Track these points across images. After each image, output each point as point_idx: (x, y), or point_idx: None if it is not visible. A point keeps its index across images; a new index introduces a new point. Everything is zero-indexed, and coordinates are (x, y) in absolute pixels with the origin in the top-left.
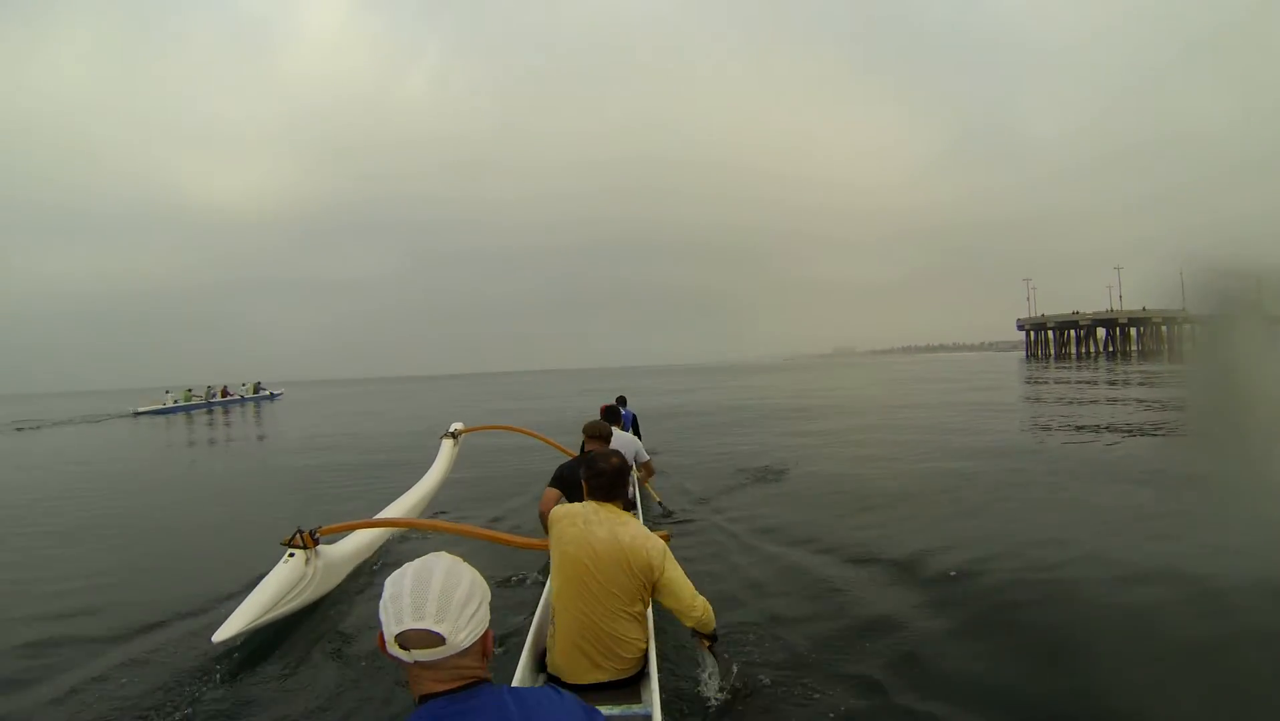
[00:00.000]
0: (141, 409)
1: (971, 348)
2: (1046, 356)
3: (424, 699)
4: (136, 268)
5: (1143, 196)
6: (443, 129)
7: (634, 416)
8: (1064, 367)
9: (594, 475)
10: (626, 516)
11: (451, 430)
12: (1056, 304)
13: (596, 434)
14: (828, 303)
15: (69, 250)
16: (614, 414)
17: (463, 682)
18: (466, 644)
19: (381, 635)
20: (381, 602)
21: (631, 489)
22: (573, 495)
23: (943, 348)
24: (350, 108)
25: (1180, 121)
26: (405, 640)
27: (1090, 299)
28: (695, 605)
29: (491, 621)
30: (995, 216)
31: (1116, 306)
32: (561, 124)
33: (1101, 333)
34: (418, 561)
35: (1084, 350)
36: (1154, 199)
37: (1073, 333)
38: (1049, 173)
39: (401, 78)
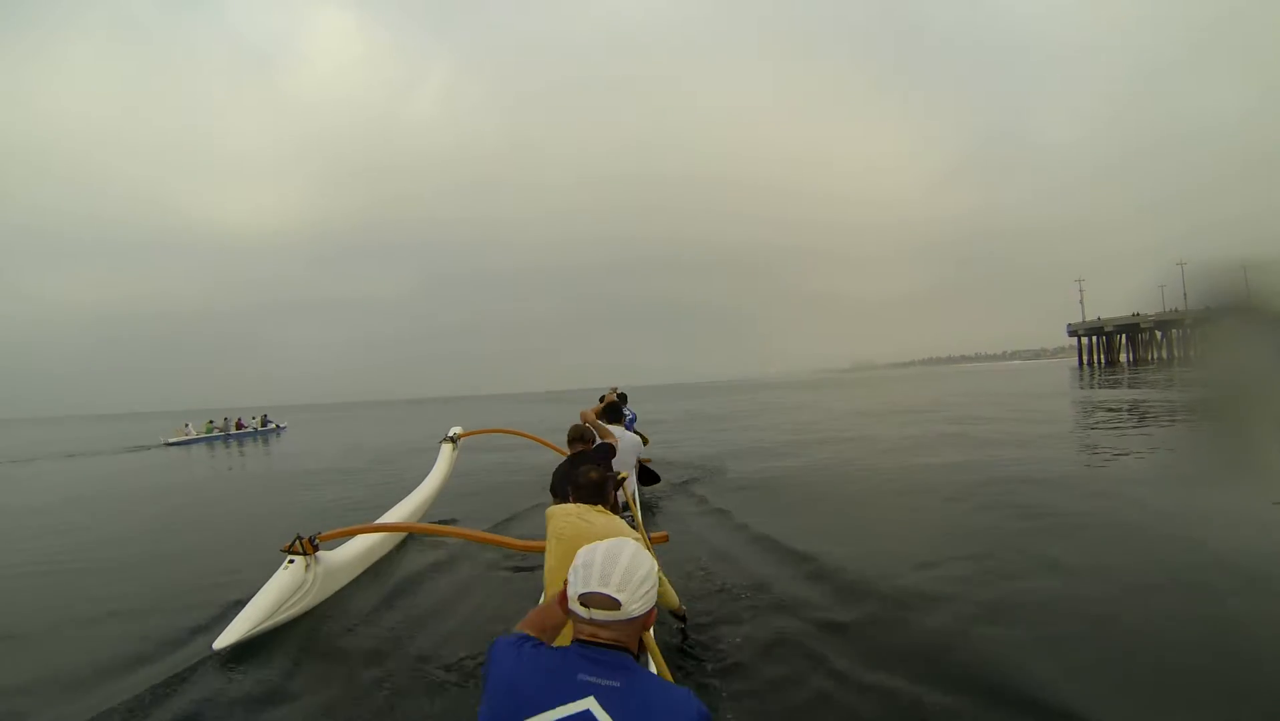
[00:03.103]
0: (171, 440)
1: (994, 357)
2: (1103, 364)
3: (577, 642)
4: (151, 292)
5: (1167, 195)
6: (451, 147)
7: (634, 416)
8: (1154, 380)
9: (577, 487)
10: (614, 516)
11: (451, 434)
12: (1086, 309)
13: (578, 436)
14: (846, 317)
15: (82, 275)
16: (615, 411)
17: (618, 644)
18: (636, 614)
19: (565, 592)
20: (572, 567)
21: (624, 494)
22: (565, 500)
23: (964, 359)
24: (359, 129)
25: (1192, 118)
26: (588, 600)
27: (1121, 303)
28: (666, 589)
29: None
30: (1010, 226)
31: (1168, 307)
32: (572, 141)
33: (1158, 335)
34: (609, 541)
35: (1144, 356)
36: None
37: (1123, 337)
38: (1064, 179)
39: (409, 97)
